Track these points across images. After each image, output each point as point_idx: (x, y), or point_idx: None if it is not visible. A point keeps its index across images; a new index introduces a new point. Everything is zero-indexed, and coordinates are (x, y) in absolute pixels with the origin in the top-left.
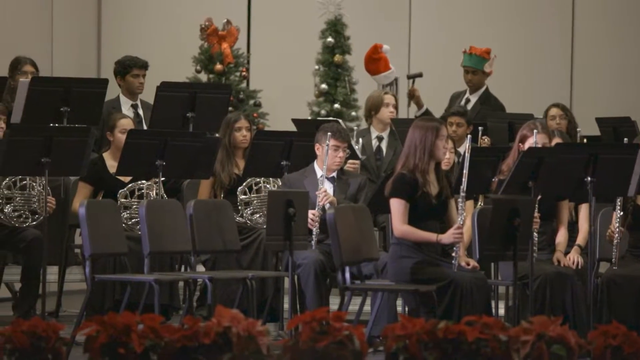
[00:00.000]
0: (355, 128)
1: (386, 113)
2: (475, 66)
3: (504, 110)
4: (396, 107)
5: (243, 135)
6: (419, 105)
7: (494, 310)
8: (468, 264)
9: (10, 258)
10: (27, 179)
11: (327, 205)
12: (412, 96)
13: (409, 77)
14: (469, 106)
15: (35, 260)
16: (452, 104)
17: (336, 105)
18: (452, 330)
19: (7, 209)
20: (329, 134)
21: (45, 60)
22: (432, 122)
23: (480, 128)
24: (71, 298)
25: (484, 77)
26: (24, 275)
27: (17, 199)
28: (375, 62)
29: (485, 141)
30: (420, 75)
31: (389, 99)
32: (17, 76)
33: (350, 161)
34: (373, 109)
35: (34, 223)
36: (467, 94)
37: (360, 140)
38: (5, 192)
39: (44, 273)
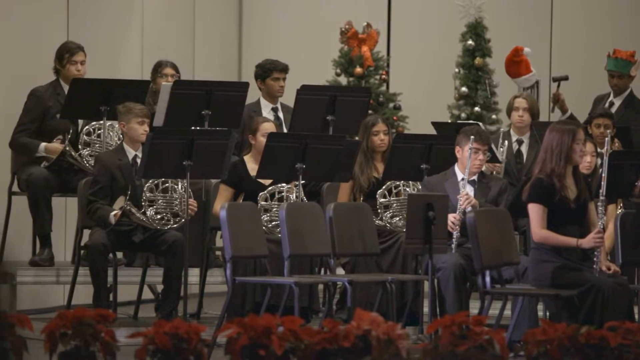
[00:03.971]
0: (502, 130)
1: (515, 117)
2: (622, 70)
3: None
4: (531, 110)
5: (381, 138)
6: (563, 109)
7: (637, 316)
8: (609, 269)
9: (152, 260)
10: (169, 181)
11: (469, 209)
12: (557, 100)
13: (554, 80)
14: (613, 109)
15: (177, 262)
16: (595, 107)
17: (476, 109)
18: (594, 336)
19: (150, 211)
20: (471, 137)
21: (187, 63)
22: (569, 125)
23: (608, 131)
24: (212, 300)
25: (630, 81)
26: (166, 277)
27: (159, 201)
28: (516, 64)
29: (616, 145)
30: (566, 78)
31: (518, 102)
32: (159, 79)
33: (492, 164)
34: (508, 112)
35: (176, 226)
36: (611, 97)
37: (506, 142)
38: (147, 194)
39: (185, 275)
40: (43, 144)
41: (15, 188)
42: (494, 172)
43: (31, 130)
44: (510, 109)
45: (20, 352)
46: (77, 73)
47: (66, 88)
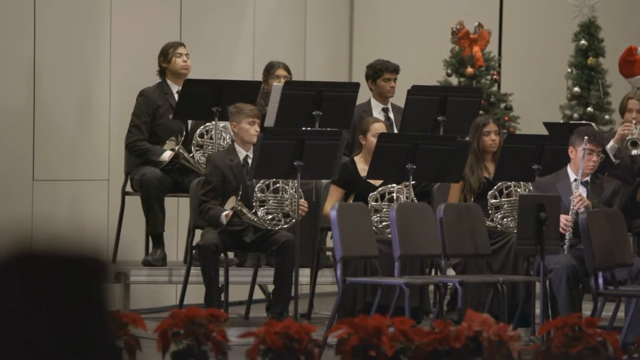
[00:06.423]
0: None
1: (628, 118)
2: None
3: None
4: None
5: (492, 139)
6: None
7: None
8: None
9: (263, 260)
10: (280, 182)
11: (581, 210)
12: None
13: None
14: None
15: (287, 262)
16: None
17: (589, 109)
18: None
19: (261, 211)
20: (585, 137)
21: (298, 64)
22: None
23: None
24: (323, 300)
25: None
26: (277, 277)
27: (270, 201)
28: (630, 64)
29: None
30: None
31: (632, 104)
32: (271, 80)
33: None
34: (621, 112)
35: (287, 226)
36: None
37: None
38: (258, 195)
39: (296, 275)
40: (167, 152)
41: (128, 188)
42: None
43: (144, 131)
44: (623, 110)
45: (133, 351)
46: (184, 64)
47: (173, 87)
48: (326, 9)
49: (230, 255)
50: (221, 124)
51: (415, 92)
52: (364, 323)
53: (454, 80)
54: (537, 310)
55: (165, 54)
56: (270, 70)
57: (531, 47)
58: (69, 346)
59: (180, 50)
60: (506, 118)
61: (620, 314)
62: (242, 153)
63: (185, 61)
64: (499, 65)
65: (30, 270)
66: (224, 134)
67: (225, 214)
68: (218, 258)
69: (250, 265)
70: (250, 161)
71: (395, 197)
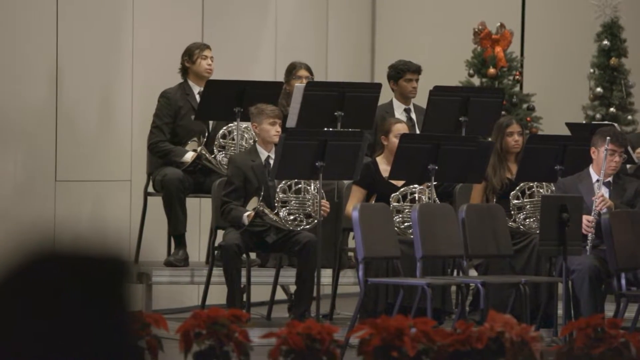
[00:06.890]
0: None
1: None
2: None
3: None
4: None
5: (515, 139)
6: None
7: None
8: None
9: (285, 260)
10: (302, 182)
11: (604, 210)
12: None
13: None
14: None
15: (309, 263)
16: None
17: (611, 109)
18: None
19: (283, 212)
20: (607, 138)
21: (320, 64)
22: None
23: None
24: (345, 301)
25: None
26: (299, 278)
27: (292, 202)
28: None
29: None
30: None
31: None
32: (293, 81)
33: None
34: None
35: (308, 226)
36: None
37: None
38: (280, 195)
39: (318, 276)
40: (190, 153)
41: (150, 189)
42: None
43: (165, 132)
44: None
45: (155, 351)
46: (208, 67)
47: (195, 88)
48: (348, 9)
49: (252, 255)
50: (243, 124)
51: (438, 92)
52: (385, 324)
53: (476, 81)
54: (560, 311)
55: (191, 54)
56: (292, 70)
57: (553, 47)
58: (90, 347)
59: (207, 52)
60: (528, 119)
61: None
62: (263, 154)
63: (209, 64)
64: (521, 66)
65: (52, 271)
66: (246, 135)
67: (247, 214)
68: (240, 258)
69: (272, 265)
70: (272, 162)
71: (417, 198)
